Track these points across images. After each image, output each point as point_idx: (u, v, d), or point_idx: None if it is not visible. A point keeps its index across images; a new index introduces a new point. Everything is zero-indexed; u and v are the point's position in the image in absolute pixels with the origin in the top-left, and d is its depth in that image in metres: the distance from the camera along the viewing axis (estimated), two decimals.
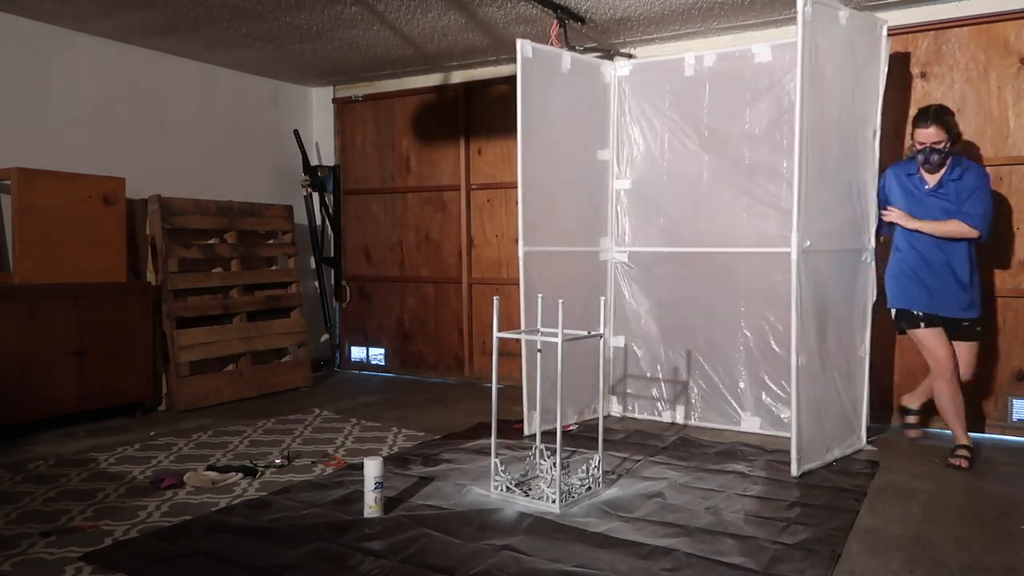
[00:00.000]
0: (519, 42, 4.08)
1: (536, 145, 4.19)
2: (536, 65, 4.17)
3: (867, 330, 3.99)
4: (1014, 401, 4.23)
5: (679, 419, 4.59)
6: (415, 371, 6.27)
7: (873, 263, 3.97)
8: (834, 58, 3.58)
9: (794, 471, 3.47)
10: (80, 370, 4.45)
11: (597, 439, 3.38)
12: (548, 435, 3.47)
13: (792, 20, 4.05)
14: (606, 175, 4.73)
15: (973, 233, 3.65)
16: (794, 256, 3.44)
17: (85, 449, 3.95)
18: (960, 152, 3.89)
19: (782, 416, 4.26)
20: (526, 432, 4.21)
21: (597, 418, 3.62)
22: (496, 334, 3.24)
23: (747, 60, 4.34)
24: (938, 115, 3.65)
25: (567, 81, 4.38)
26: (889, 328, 4.44)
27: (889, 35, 3.94)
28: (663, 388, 4.68)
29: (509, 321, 5.33)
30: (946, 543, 2.74)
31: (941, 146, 3.64)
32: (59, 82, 4.90)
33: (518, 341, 4.78)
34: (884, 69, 3.89)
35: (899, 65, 4.42)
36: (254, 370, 5.43)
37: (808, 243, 3.47)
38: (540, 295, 3.39)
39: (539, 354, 3.27)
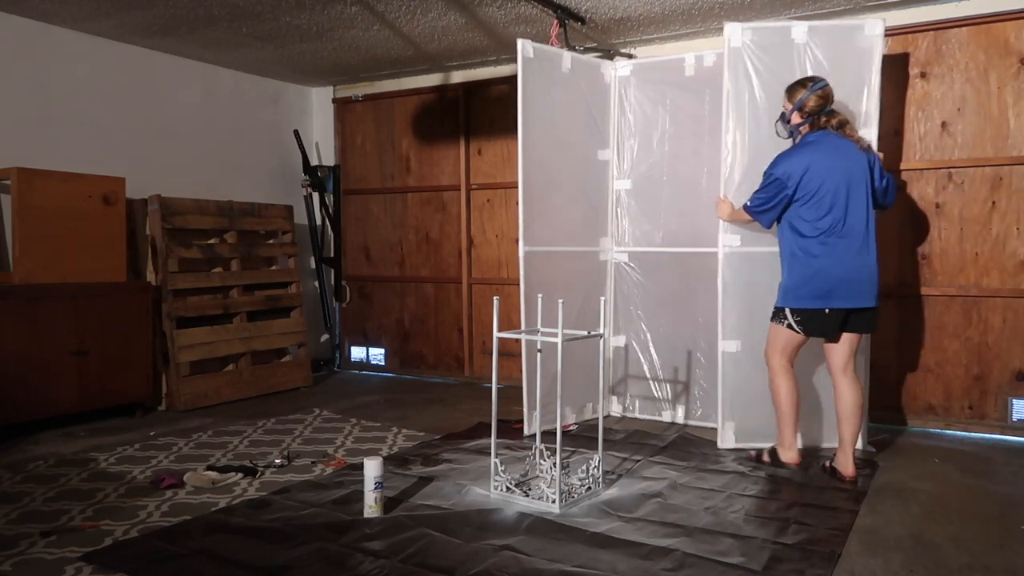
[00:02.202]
0: (520, 42, 4.08)
1: (536, 145, 4.19)
2: (536, 65, 4.17)
3: None
4: (1014, 401, 4.23)
5: (679, 419, 4.59)
6: (415, 371, 6.27)
7: None
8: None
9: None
10: (80, 370, 4.45)
11: (597, 439, 3.38)
12: (548, 435, 3.47)
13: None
14: (606, 175, 4.73)
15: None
16: (720, 255, 3.49)
17: (85, 449, 3.95)
18: (842, 132, 3.44)
19: None
20: (526, 432, 4.21)
21: (597, 418, 3.62)
22: (496, 334, 3.24)
23: None
24: (788, 86, 3.52)
25: (567, 81, 4.38)
26: (889, 327, 4.44)
27: (888, 35, 3.94)
28: (663, 388, 4.68)
29: (509, 321, 5.33)
30: (946, 543, 2.74)
31: (783, 112, 3.53)
32: (59, 82, 4.90)
33: (518, 341, 4.78)
34: (878, 66, 3.86)
35: (898, 65, 4.42)
36: (254, 370, 5.43)
37: (738, 243, 3.49)
38: (540, 295, 3.39)
39: (539, 354, 3.27)
